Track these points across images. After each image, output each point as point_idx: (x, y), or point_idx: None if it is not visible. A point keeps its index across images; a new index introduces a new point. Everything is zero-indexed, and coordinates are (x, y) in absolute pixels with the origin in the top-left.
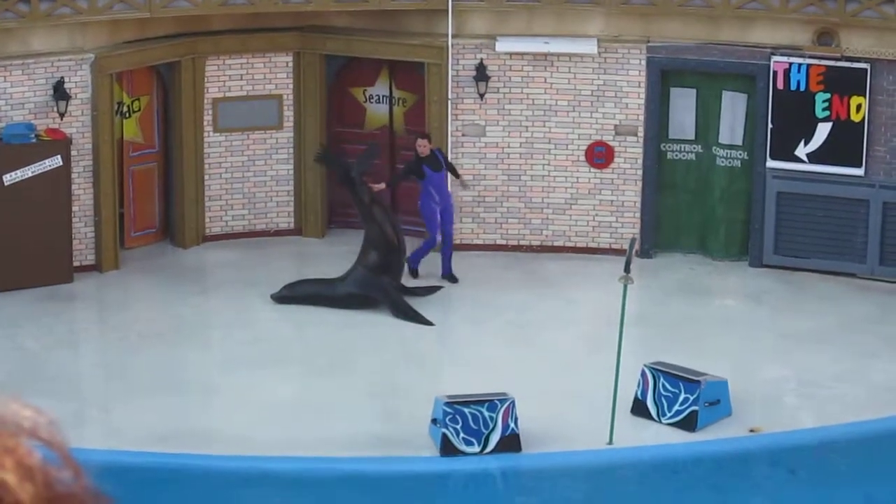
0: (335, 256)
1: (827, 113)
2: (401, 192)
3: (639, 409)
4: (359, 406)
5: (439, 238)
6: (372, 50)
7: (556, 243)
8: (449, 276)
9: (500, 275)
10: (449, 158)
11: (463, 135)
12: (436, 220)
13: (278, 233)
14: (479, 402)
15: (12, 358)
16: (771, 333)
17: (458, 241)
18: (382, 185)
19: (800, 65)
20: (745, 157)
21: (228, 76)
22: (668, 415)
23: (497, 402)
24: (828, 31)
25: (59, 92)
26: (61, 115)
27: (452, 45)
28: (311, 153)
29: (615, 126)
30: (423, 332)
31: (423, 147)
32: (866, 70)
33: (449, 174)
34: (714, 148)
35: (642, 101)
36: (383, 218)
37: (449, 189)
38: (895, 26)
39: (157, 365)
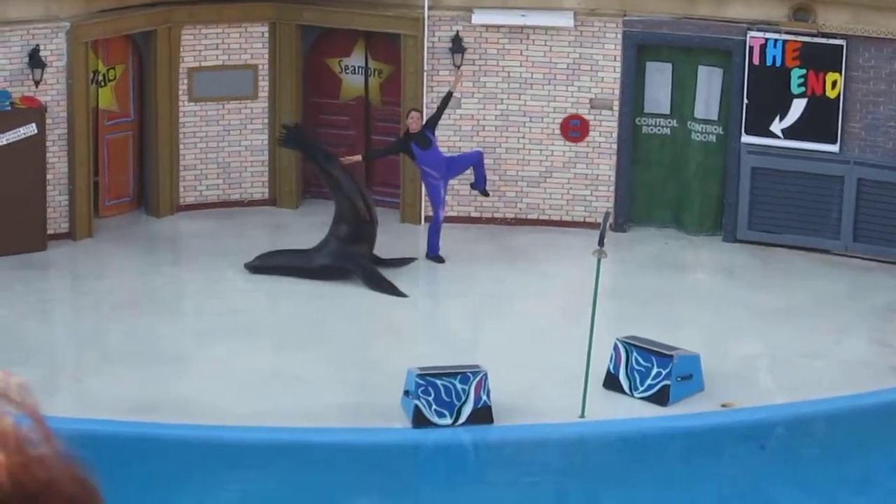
0: (309, 227)
1: (802, 89)
2: (377, 164)
3: (611, 382)
4: (331, 377)
5: (442, 214)
6: (348, 20)
7: (530, 216)
8: (434, 256)
9: (474, 247)
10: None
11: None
12: (439, 196)
13: (252, 203)
14: (451, 374)
15: None
16: (744, 308)
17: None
18: (358, 158)
19: (776, 40)
20: (721, 132)
21: (204, 45)
22: (641, 389)
23: (469, 374)
24: (804, 6)
25: (35, 60)
26: (36, 83)
27: (428, 17)
28: (288, 122)
29: (590, 100)
30: (396, 304)
31: (414, 121)
32: (842, 46)
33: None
34: (689, 123)
35: (618, 75)
36: (352, 190)
37: (446, 156)
38: (871, 3)
39: (130, 334)
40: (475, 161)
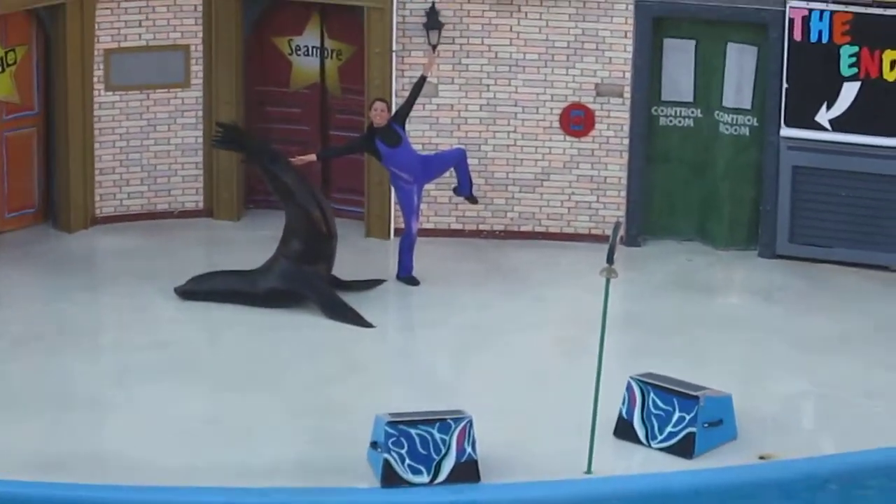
0: (253, 243)
1: (855, 70)
2: (336, 165)
3: (624, 430)
4: (283, 426)
5: (416, 226)
6: None
7: (523, 228)
8: (407, 277)
9: (455, 267)
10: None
11: None
12: (412, 204)
13: (184, 214)
14: (428, 421)
15: None
16: (786, 339)
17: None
18: (312, 157)
19: (822, 11)
20: (755, 124)
21: (124, 22)
22: (660, 438)
23: (451, 421)
24: None
25: None
26: None
27: None
28: (225, 117)
29: (596, 85)
30: (360, 336)
31: (379, 114)
32: None
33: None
34: (717, 112)
35: (629, 56)
36: (307, 198)
37: (419, 155)
38: None
39: (36, 375)
40: (456, 161)
